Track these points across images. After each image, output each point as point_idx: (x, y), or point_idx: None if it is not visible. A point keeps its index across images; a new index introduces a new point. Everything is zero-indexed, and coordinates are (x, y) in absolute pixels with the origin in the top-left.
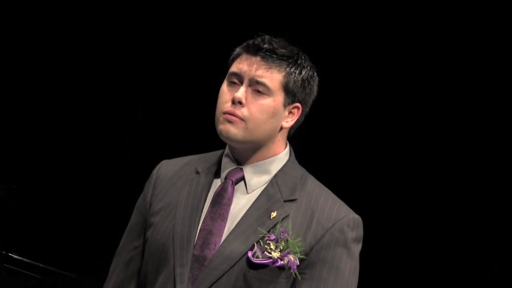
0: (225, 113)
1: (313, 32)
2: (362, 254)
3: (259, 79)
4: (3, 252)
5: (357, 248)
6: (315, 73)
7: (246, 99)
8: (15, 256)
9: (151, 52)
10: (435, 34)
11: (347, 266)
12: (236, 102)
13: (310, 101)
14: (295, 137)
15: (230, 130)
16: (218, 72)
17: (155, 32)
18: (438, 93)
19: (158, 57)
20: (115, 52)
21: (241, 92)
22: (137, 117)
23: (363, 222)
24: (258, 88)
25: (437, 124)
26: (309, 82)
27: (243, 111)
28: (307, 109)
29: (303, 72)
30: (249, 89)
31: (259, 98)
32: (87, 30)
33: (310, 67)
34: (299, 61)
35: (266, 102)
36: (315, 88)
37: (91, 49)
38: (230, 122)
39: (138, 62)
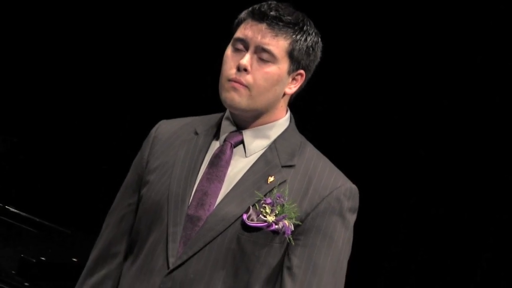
0: (230, 80)
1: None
2: (357, 224)
3: (265, 47)
4: (0, 204)
5: (352, 218)
6: (319, 39)
7: (251, 66)
8: (12, 209)
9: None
10: (432, 29)
11: (341, 235)
12: (241, 69)
13: (313, 67)
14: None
15: (235, 98)
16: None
17: (157, 28)
18: (438, 76)
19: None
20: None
21: (247, 59)
22: (163, 88)
23: (360, 193)
24: (263, 55)
25: (436, 104)
26: (313, 49)
27: (247, 78)
28: (310, 75)
29: (308, 39)
30: (255, 56)
31: (264, 66)
32: (100, 21)
33: (315, 33)
34: (304, 28)
35: (271, 69)
36: (319, 54)
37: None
38: (235, 89)
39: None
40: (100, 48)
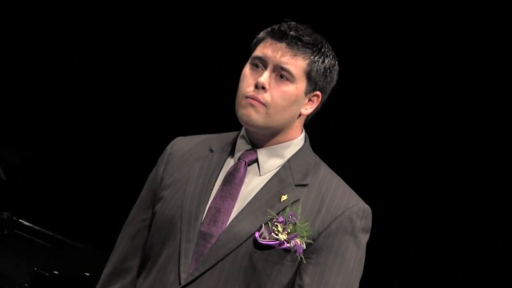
0: (247, 97)
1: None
2: (368, 242)
3: (284, 66)
4: (14, 218)
5: (364, 237)
6: (336, 62)
7: (269, 84)
8: (25, 223)
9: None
10: (434, 33)
11: (353, 254)
12: (259, 87)
13: (329, 89)
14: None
15: (252, 115)
16: (225, 70)
17: (156, 28)
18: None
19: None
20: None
21: (265, 77)
22: (162, 88)
23: (373, 213)
24: (282, 74)
25: (445, 120)
26: (330, 71)
27: (265, 97)
28: (326, 97)
29: (326, 61)
30: (273, 75)
31: (282, 85)
32: (100, 24)
33: (333, 56)
34: (322, 50)
35: (289, 89)
36: (335, 77)
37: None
38: (252, 106)
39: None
40: (100, 49)
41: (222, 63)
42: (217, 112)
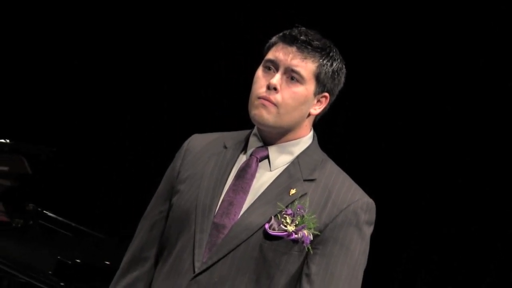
0: (260, 97)
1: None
2: (370, 244)
3: (294, 68)
4: (39, 209)
5: (368, 230)
6: (344, 66)
7: (280, 86)
8: (49, 214)
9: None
10: (434, 34)
11: (357, 246)
12: (271, 88)
13: (337, 91)
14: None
15: (264, 115)
16: (225, 70)
17: (155, 29)
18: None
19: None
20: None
21: (277, 78)
22: (162, 88)
23: (377, 207)
24: (292, 76)
25: (445, 121)
26: (338, 74)
27: (276, 97)
28: (334, 99)
29: (334, 64)
30: (284, 77)
31: (292, 86)
32: (113, 21)
33: (340, 60)
34: (331, 54)
35: (299, 90)
36: (343, 79)
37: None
38: (264, 106)
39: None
40: (100, 49)
41: (222, 63)
42: (217, 112)
